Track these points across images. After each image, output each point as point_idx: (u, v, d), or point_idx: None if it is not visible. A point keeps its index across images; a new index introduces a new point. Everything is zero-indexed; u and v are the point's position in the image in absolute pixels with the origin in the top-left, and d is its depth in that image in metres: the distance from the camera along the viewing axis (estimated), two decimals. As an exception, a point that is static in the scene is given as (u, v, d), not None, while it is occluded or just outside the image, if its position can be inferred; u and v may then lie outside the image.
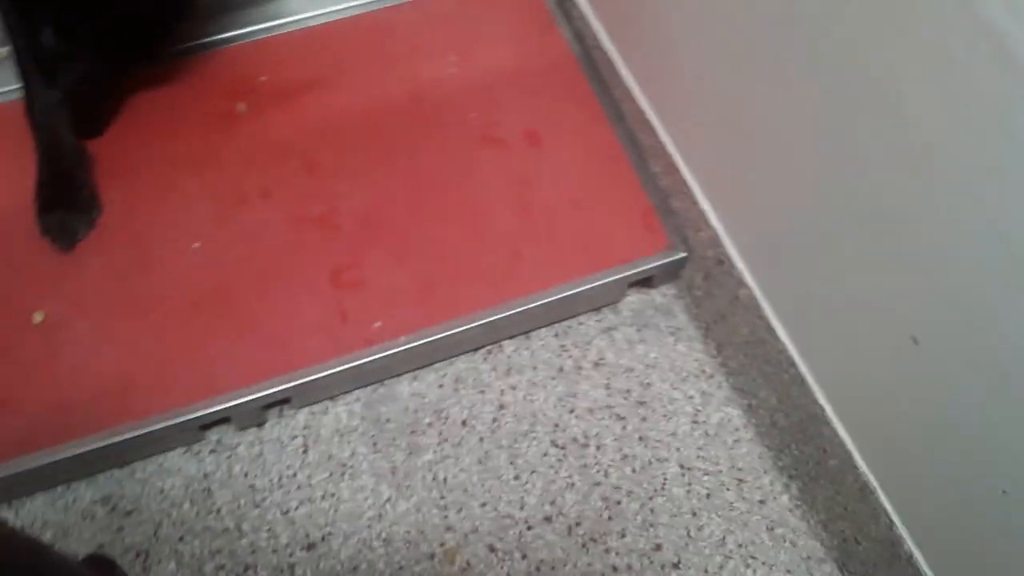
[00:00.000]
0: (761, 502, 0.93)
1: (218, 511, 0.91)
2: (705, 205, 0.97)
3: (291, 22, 1.20)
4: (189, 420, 0.91)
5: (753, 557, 0.90)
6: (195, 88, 1.13)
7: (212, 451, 0.95)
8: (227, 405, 0.91)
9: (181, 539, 0.90)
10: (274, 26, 1.19)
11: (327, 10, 1.21)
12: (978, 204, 0.58)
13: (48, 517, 0.91)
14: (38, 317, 0.95)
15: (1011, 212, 0.56)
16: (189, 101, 1.12)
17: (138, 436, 0.89)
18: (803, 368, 0.87)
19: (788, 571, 0.89)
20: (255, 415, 0.95)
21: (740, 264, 0.93)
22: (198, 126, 1.10)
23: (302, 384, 0.93)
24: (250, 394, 0.92)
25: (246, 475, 0.93)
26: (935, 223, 0.63)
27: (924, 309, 0.68)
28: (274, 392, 0.92)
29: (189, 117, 1.11)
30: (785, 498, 0.93)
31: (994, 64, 0.53)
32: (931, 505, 0.76)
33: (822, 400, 0.85)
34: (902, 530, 0.80)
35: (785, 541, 0.91)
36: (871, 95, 0.65)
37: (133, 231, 1.02)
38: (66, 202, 1.01)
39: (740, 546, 0.90)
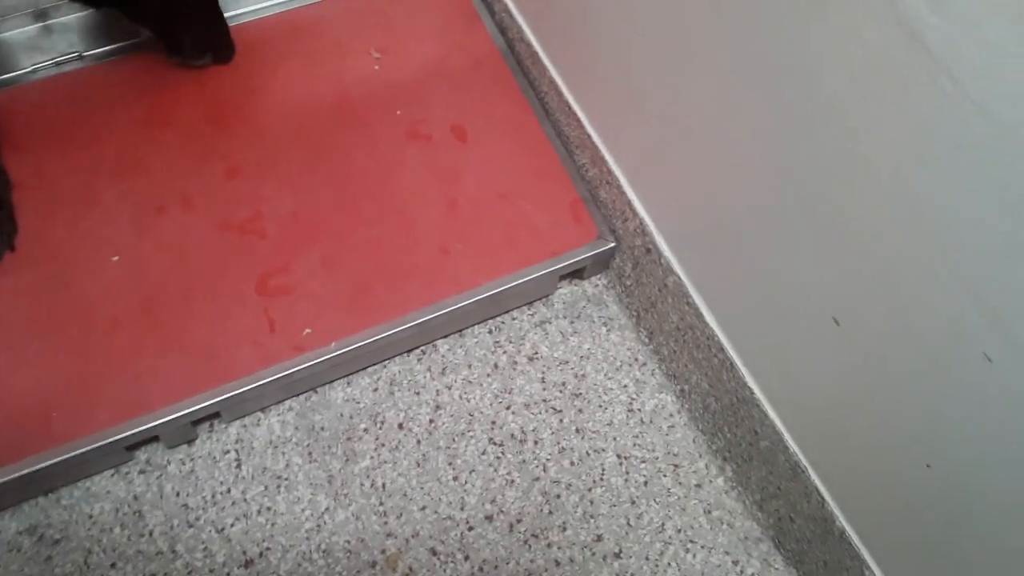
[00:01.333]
0: (697, 486, 0.94)
1: (150, 533, 0.89)
2: (632, 195, 0.97)
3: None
4: (115, 441, 0.88)
5: (692, 541, 0.91)
6: (112, 92, 1.09)
7: (141, 471, 0.92)
8: (154, 423, 0.89)
9: (113, 566, 0.87)
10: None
11: (247, 8, 1.17)
12: (896, 186, 0.59)
13: (-30, 551, 0.87)
14: (-53, 343, 0.91)
15: (927, 194, 0.57)
16: (105, 106, 1.08)
17: (62, 461, 0.86)
18: (731, 352, 0.88)
19: (727, 552, 0.91)
20: (184, 432, 0.93)
21: (667, 252, 0.93)
22: (114, 132, 1.06)
23: (231, 397, 0.91)
24: (178, 411, 0.89)
25: (178, 494, 0.91)
26: (855, 207, 0.64)
27: (844, 291, 0.69)
28: (202, 407, 0.90)
29: (106, 123, 1.07)
30: (720, 481, 0.95)
31: (906, 48, 0.54)
32: (859, 482, 0.78)
33: (751, 383, 0.87)
34: (833, 507, 0.82)
35: (723, 523, 0.93)
36: (792, 81, 0.65)
37: (48, 245, 0.98)
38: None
39: (679, 531, 0.92)
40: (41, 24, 1.13)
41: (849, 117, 0.61)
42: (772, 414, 0.85)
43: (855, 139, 0.61)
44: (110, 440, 0.88)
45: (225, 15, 1.12)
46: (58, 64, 1.11)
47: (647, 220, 0.95)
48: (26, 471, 0.85)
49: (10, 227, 0.99)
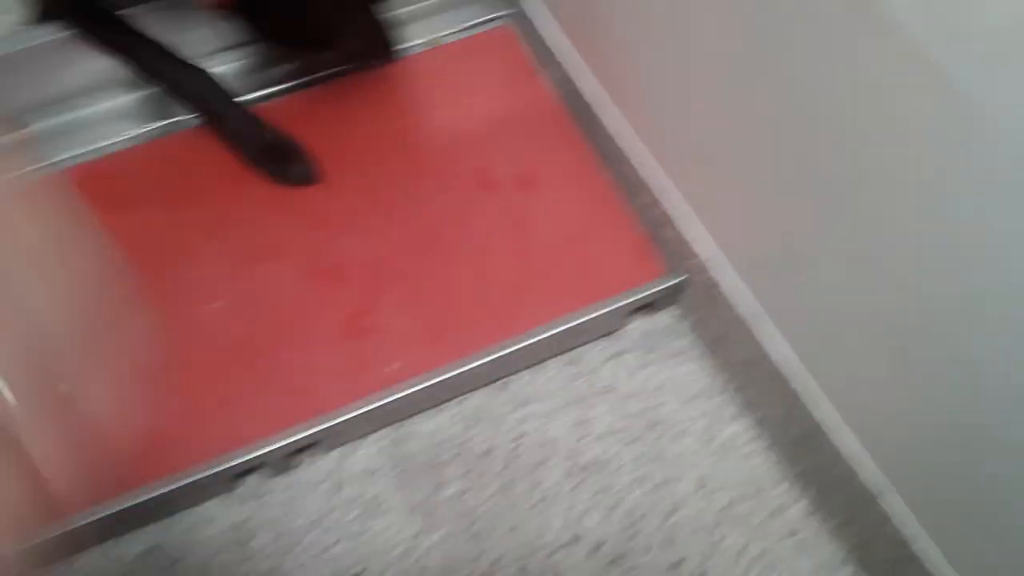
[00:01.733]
0: (778, 512, 0.96)
1: (257, 555, 0.95)
2: (701, 228, 1.01)
3: (280, 89, 1.25)
4: (222, 470, 0.95)
5: (774, 565, 0.93)
6: (204, 156, 1.19)
7: (247, 498, 0.98)
8: (257, 453, 0.95)
9: (222, 586, 0.93)
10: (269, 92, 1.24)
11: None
12: (971, 219, 0.62)
13: (98, 569, 0.94)
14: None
15: (1002, 229, 0.59)
16: (203, 168, 1.18)
17: (175, 488, 0.93)
18: (806, 379, 0.91)
19: None
20: (285, 461, 0.99)
21: (738, 283, 0.97)
22: (206, 190, 1.15)
23: (327, 428, 0.97)
24: (278, 441, 0.96)
25: (282, 518, 0.97)
26: (926, 238, 0.67)
27: (917, 318, 0.72)
28: (300, 438, 0.96)
29: (201, 183, 1.16)
30: (802, 504, 0.97)
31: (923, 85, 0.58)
32: (943, 507, 0.79)
33: (828, 408, 0.89)
34: (916, 531, 0.83)
35: (805, 547, 0.94)
36: (868, 115, 0.68)
37: (154, 295, 1.06)
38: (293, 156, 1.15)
39: (761, 554, 0.94)
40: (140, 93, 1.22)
41: (922, 150, 0.64)
42: (850, 440, 0.87)
43: (926, 172, 0.64)
44: (218, 469, 0.94)
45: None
46: (157, 130, 1.20)
47: (716, 252, 0.99)
48: (144, 498, 0.93)
49: (313, 164, 1.15)
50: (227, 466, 0.95)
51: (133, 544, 0.96)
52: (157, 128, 1.21)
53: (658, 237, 1.09)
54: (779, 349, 0.93)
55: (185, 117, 1.21)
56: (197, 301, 1.06)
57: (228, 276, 1.08)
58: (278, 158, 1.14)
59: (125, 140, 1.20)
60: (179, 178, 1.17)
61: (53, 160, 1.18)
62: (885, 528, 0.86)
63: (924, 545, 0.82)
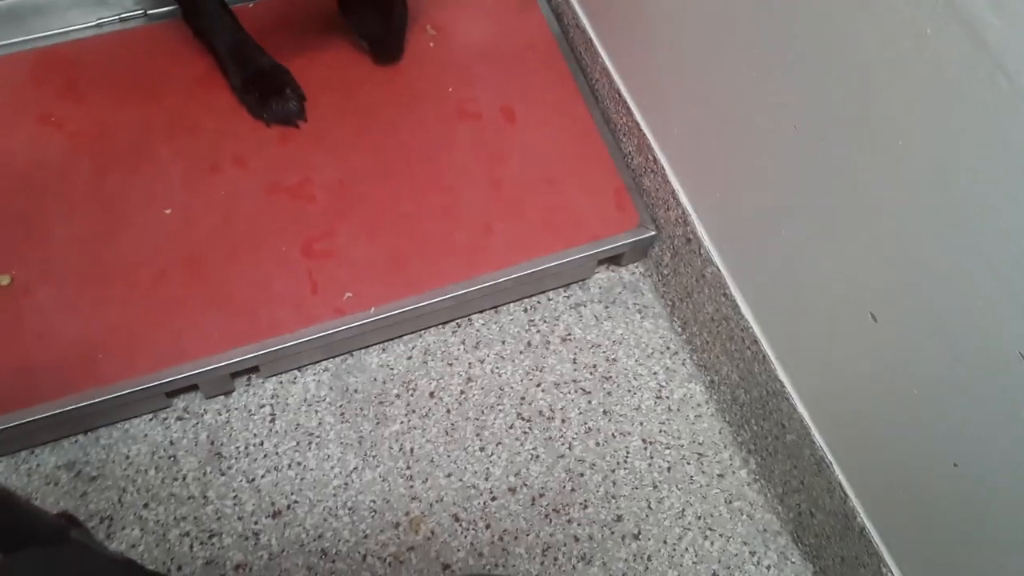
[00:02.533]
0: (720, 476, 0.95)
1: (184, 478, 0.91)
2: (676, 184, 0.98)
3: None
4: (155, 386, 0.91)
5: (711, 529, 0.92)
6: (172, 51, 1.12)
7: (179, 418, 0.95)
8: (194, 372, 0.91)
9: (146, 505, 0.90)
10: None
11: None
12: (938, 184, 0.60)
13: (11, 482, 0.90)
14: (4, 280, 0.94)
15: (970, 193, 0.57)
16: (165, 64, 1.11)
17: (103, 401, 0.89)
18: (765, 345, 0.89)
19: (745, 543, 0.92)
20: (223, 383, 0.95)
21: (708, 243, 0.94)
22: (173, 91, 1.09)
23: (270, 353, 0.93)
24: (217, 362, 0.92)
25: (212, 443, 0.93)
26: (896, 203, 0.65)
27: (883, 287, 0.70)
28: (242, 360, 0.92)
29: (165, 81, 1.10)
30: (744, 472, 0.96)
31: (963, 47, 0.54)
32: (885, 479, 0.78)
33: (782, 376, 0.87)
34: (856, 503, 0.82)
35: (742, 514, 0.93)
36: (840, 74, 0.66)
37: (103, 197, 1.01)
38: (278, 91, 1.07)
39: (699, 518, 0.93)
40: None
41: (896, 112, 0.61)
42: (801, 408, 0.86)
43: (901, 134, 0.62)
44: (150, 385, 0.90)
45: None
46: (123, 20, 1.14)
47: (689, 210, 0.96)
48: (68, 408, 0.88)
49: (301, 103, 1.08)
50: (160, 382, 0.91)
51: (50, 457, 0.92)
52: (127, 16, 1.14)
53: (635, 187, 1.05)
54: (740, 313, 0.90)
55: (160, 9, 1.13)
56: (147, 206, 1.01)
57: (182, 183, 1.03)
58: (265, 90, 1.06)
59: (89, 26, 1.13)
60: (143, 74, 1.10)
61: (9, 41, 1.10)
62: (824, 501, 0.85)
63: (863, 520, 0.81)
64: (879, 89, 0.62)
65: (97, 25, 1.13)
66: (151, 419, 0.95)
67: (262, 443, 0.94)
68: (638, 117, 1.03)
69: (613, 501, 0.93)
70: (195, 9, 1.07)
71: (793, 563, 0.91)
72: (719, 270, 0.93)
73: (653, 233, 1.02)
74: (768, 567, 0.91)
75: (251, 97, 1.06)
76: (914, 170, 0.62)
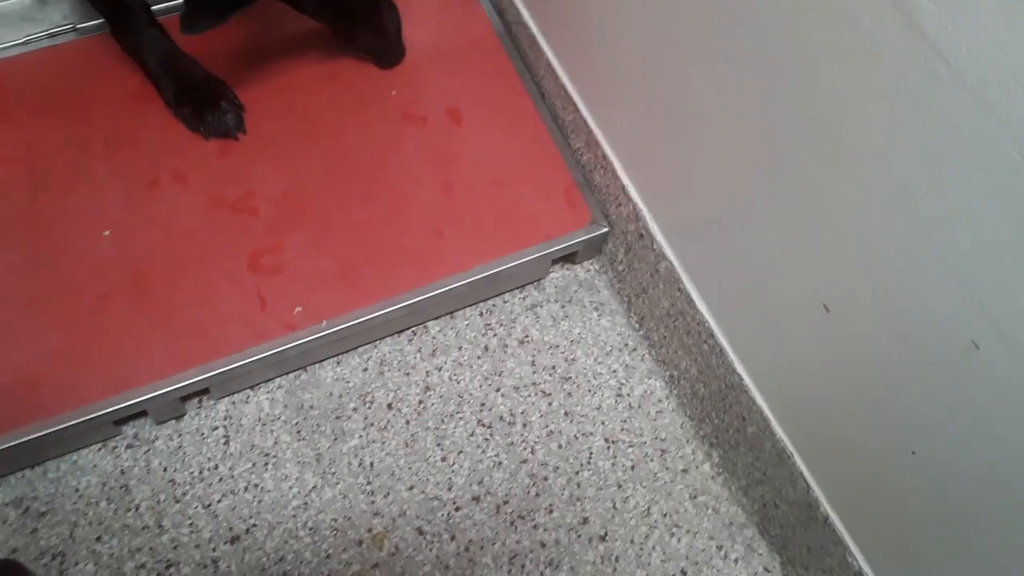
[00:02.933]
0: (684, 471, 0.95)
1: (137, 508, 0.89)
2: (626, 180, 0.97)
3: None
4: (102, 415, 0.88)
5: (677, 525, 0.92)
6: (105, 66, 1.08)
7: (129, 446, 0.92)
8: (142, 398, 0.89)
9: (99, 539, 0.87)
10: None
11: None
12: (886, 174, 0.59)
13: (-45, 522, 0.87)
14: (-65, 314, 0.90)
15: (916, 182, 0.57)
16: (98, 79, 1.07)
17: (49, 434, 0.86)
18: (722, 338, 0.88)
19: (711, 537, 0.92)
20: (173, 407, 0.92)
21: (660, 238, 0.93)
22: (106, 106, 1.06)
23: (221, 374, 0.91)
24: (166, 386, 0.89)
25: (165, 469, 0.91)
26: (844, 194, 0.64)
27: (835, 278, 0.70)
28: (191, 383, 0.90)
29: (98, 96, 1.06)
30: (707, 466, 0.95)
31: (901, 36, 0.54)
32: (845, 468, 0.78)
33: (740, 369, 0.87)
34: (818, 493, 0.82)
35: (708, 508, 0.93)
36: (783, 65, 0.65)
37: (38, 220, 0.98)
38: (213, 103, 1.03)
39: (665, 515, 0.92)
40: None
41: (839, 102, 0.61)
42: (760, 400, 0.86)
43: (845, 125, 0.61)
44: (97, 414, 0.87)
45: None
46: (51, 36, 1.10)
47: (640, 205, 0.95)
48: (11, 443, 0.85)
49: (239, 114, 1.04)
50: (107, 411, 0.88)
51: (-3, 494, 0.89)
52: (56, 32, 1.09)
53: (586, 184, 1.04)
54: (696, 307, 0.90)
55: (90, 23, 1.10)
56: (85, 228, 0.97)
57: (121, 201, 0.99)
58: (200, 103, 1.03)
59: (16, 44, 1.08)
60: (74, 91, 1.07)
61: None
62: (788, 491, 0.85)
63: (826, 510, 0.81)
64: (823, 81, 0.62)
65: (24, 43, 1.09)
66: (100, 448, 0.92)
67: (217, 467, 0.91)
68: (585, 113, 1.01)
69: (578, 503, 0.92)
70: (121, 24, 1.03)
71: (760, 555, 0.91)
72: (673, 264, 0.92)
73: (606, 230, 1.01)
74: (736, 560, 0.91)
75: (186, 111, 1.03)
76: (860, 161, 0.61)
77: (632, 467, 0.94)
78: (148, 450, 0.92)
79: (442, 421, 0.96)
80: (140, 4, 1.01)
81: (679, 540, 0.91)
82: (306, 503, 0.90)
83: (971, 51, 0.49)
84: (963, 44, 0.50)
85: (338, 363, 0.98)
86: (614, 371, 1.00)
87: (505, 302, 1.04)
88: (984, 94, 0.49)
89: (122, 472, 0.90)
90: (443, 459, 0.93)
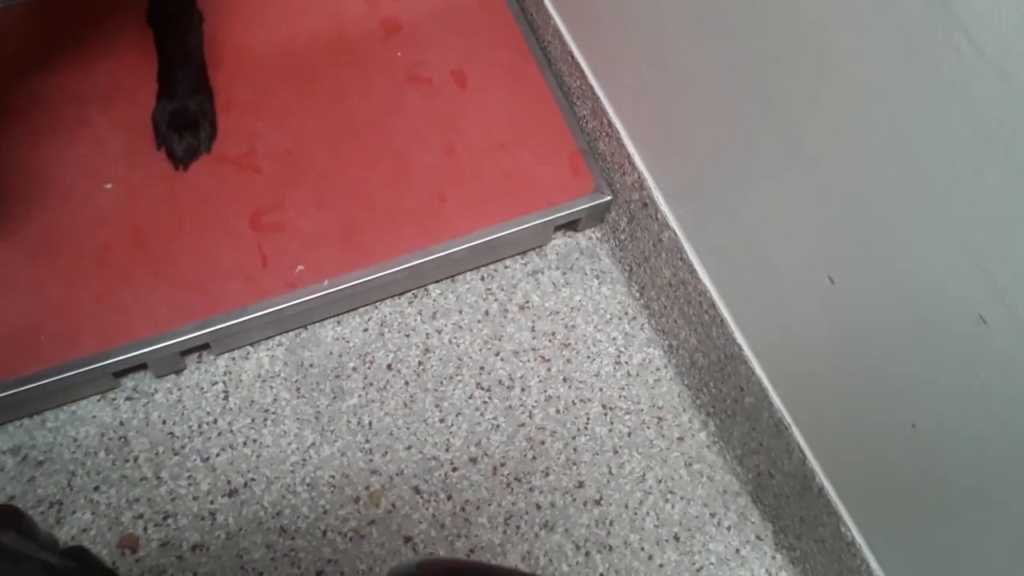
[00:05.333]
0: (680, 439, 0.96)
1: (135, 459, 0.89)
2: (631, 148, 0.97)
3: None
4: (102, 366, 0.88)
5: (672, 492, 0.93)
6: (105, 18, 1.07)
7: (128, 398, 0.92)
8: (142, 351, 0.89)
9: (96, 488, 0.88)
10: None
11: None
12: (896, 143, 0.59)
13: (-48, 469, 0.87)
14: (-66, 261, 0.90)
15: (928, 152, 0.57)
16: (99, 32, 1.06)
17: (48, 383, 0.86)
18: (723, 309, 0.89)
19: (705, 504, 0.93)
20: (172, 361, 0.92)
21: (664, 207, 0.93)
22: (109, 59, 1.04)
23: (221, 329, 0.91)
24: (166, 340, 0.89)
25: (164, 422, 0.91)
26: (854, 165, 0.64)
27: (840, 249, 0.70)
28: (191, 337, 0.90)
29: (99, 49, 1.05)
30: (703, 435, 0.96)
31: (922, 5, 0.53)
32: (843, 440, 0.79)
33: (740, 340, 0.87)
34: (814, 464, 0.83)
35: (702, 476, 0.94)
36: (793, 33, 0.65)
37: (40, 171, 0.97)
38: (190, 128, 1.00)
39: (659, 482, 0.93)
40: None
41: (852, 68, 0.61)
42: (759, 371, 0.86)
43: (856, 91, 0.61)
44: (97, 365, 0.87)
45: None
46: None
47: (645, 174, 0.95)
48: (11, 392, 0.85)
49: (212, 133, 1.00)
50: (107, 362, 0.88)
51: (-4, 441, 0.89)
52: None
53: (590, 152, 1.04)
54: (698, 277, 0.90)
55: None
56: (87, 180, 0.97)
57: (123, 155, 0.99)
58: (176, 124, 0.98)
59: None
60: (75, 39, 1.05)
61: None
62: (783, 462, 0.86)
63: (821, 480, 0.82)
64: (836, 48, 0.62)
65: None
66: (99, 400, 0.92)
67: (216, 421, 0.92)
68: (592, 80, 1.01)
69: (574, 468, 0.93)
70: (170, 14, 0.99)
71: (753, 523, 0.92)
72: (676, 234, 0.92)
73: (609, 198, 1.01)
74: (728, 528, 0.92)
75: (171, 133, 0.99)
76: (872, 129, 0.61)
77: (629, 434, 0.95)
78: (147, 403, 0.92)
79: (441, 383, 0.96)
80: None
81: (673, 506, 0.92)
82: (304, 459, 0.90)
83: (992, 21, 0.49)
84: (984, 14, 0.49)
85: (339, 323, 0.98)
86: (613, 339, 1.00)
87: (507, 267, 1.04)
88: (1003, 65, 0.49)
89: (121, 423, 0.91)
90: (441, 420, 0.94)
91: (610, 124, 0.98)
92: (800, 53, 0.65)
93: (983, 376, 0.60)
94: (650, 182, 0.95)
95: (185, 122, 0.98)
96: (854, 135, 0.63)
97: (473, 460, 0.92)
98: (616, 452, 0.94)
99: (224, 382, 0.94)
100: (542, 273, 1.04)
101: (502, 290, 1.02)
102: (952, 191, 0.56)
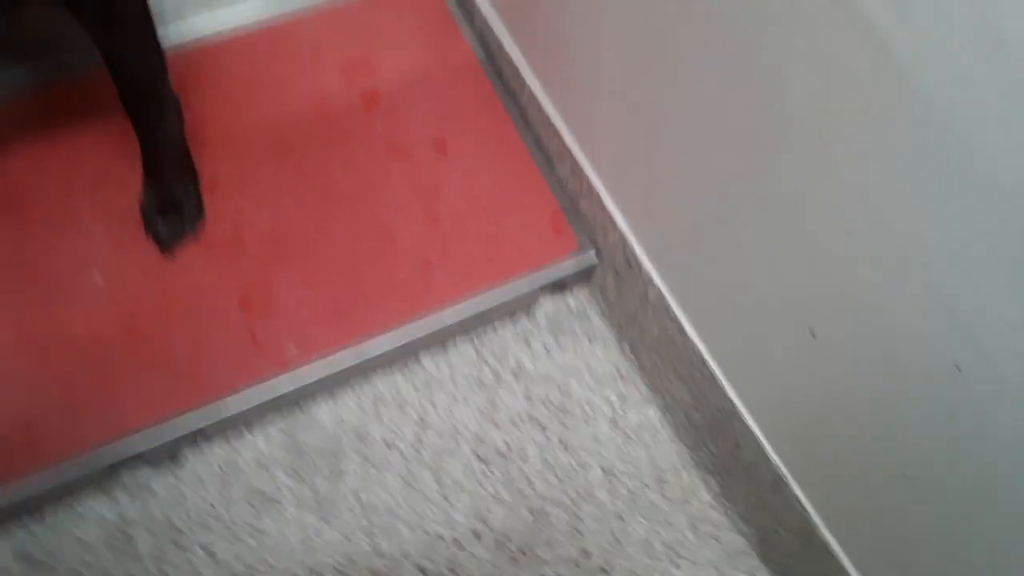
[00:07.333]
0: (684, 500, 0.95)
1: (139, 556, 0.89)
2: (612, 207, 0.97)
3: (188, 41, 1.14)
4: (100, 463, 0.88)
5: (680, 556, 0.92)
6: (87, 107, 1.08)
7: (128, 493, 0.92)
8: (139, 443, 0.89)
9: (101, 589, 0.87)
10: (169, 46, 1.14)
11: (222, 28, 1.16)
12: (864, 199, 0.60)
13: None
14: (-72, 368, 0.90)
15: (893, 206, 0.57)
16: (80, 123, 1.07)
17: (47, 484, 0.86)
18: (713, 365, 0.88)
19: (714, 567, 0.92)
20: (170, 451, 0.93)
21: (648, 264, 0.94)
22: (92, 147, 1.05)
23: (216, 416, 0.91)
24: (162, 431, 0.89)
25: (167, 516, 0.91)
26: (826, 217, 0.65)
27: (820, 303, 0.70)
28: (187, 426, 0.90)
29: (81, 140, 1.06)
30: (706, 494, 0.96)
31: (871, 59, 0.54)
32: (841, 492, 0.78)
33: (732, 395, 0.87)
34: (816, 518, 0.82)
35: (709, 537, 0.93)
36: (765, 95, 0.65)
37: (28, 266, 0.98)
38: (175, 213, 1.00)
39: (666, 546, 0.92)
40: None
41: (815, 129, 0.61)
42: (754, 426, 0.86)
43: (823, 149, 0.62)
44: (95, 462, 0.88)
45: (200, 35, 1.11)
46: (26, 81, 1.09)
47: (627, 232, 0.95)
48: (10, 495, 0.85)
49: (198, 215, 1.01)
50: (104, 457, 0.88)
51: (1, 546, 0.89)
52: (36, 76, 1.09)
53: (572, 211, 1.04)
54: (686, 333, 0.90)
55: (68, 62, 1.09)
56: (76, 272, 0.97)
57: (111, 243, 0.99)
58: (161, 209, 0.99)
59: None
60: (54, 133, 1.06)
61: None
62: (786, 518, 0.85)
63: (824, 535, 0.82)
64: (800, 103, 0.62)
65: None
66: (99, 496, 0.92)
67: (217, 511, 0.91)
68: (569, 141, 1.01)
69: (579, 536, 0.92)
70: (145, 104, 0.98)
71: (762, 580, 0.92)
72: (662, 291, 0.92)
73: (594, 257, 1.01)
74: (738, 586, 0.91)
75: (158, 220, 0.99)
76: (839, 185, 0.62)
77: (632, 498, 0.95)
78: (147, 496, 0.92)
79: (440, 457, 0.96)
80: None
81: (682, 570, 0.91)
82: (307, 546, 0.90)
83: (939, 78, 0.49)
84: (931, 71, 0.50)
85: (333, 399, 0.98)
86: (609, 400, 1.00)
87: (496, 331, 1.04)
88: (952, 121, 0.50)
89: (122, 518, 0.91)
90: (443, 496, 0.94)
91: (590, 184, 0.99)
92: (769, 110, 0.66)
93: (964, 423, 0.59)
94: (632, 240, 0.95)
95: (171, 206, 0.99)
96: (827, 191, 0.63)
97: (477, 535, 0.92)
98: (620, 518, 0.93)
99: (223, 470, 0.94)
100: (533, 336, 1.04)
101: (494, 356, 1.02)
102: (919, 243, 0.56)
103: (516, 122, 1.11)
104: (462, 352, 1.02)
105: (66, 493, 0.91)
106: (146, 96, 0.97)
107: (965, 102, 0.49)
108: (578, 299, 1.06)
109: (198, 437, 0.95)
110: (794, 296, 0.73)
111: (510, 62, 1.10)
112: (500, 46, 1.12)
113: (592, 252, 1.01)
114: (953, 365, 0.58)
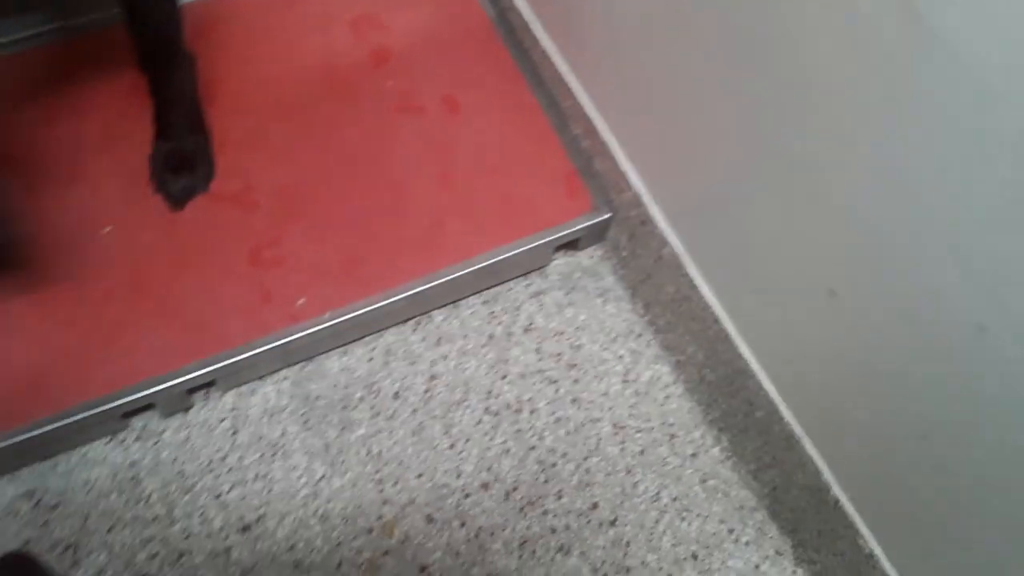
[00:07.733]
0: (693, 456, 0.95)
1: (147, 499, 0.89)
2: (627, 166, 0.97)
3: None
4: (110, 408, 0.88)
5: (688, 510, 0.92)
6: (98, 64, 1.08)
7: (137, 439, 0.92)
8: (149, 391, 0.89)
9: (110, 530, 0.88)
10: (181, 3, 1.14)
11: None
12: (886, 157, 0.59)
13: (-34, 517, 0.88)
14: (-59, 312, 0.91)
15: (916, 163, 0.57)
16: (92, 78, 1.07)
17: (58, 428, 0.86)
18: (727, 323, 0.88)
19: (722, 521, 0.92)
20: (180, 400, 0.93)
21: (663, 223, 0.93)
22: (102, 103, 1.05)
23: (226, 366, 0.91)
24: (172, 379, 0.89)
25: (174, 461, 0.91)
26: (845, 175, 0.64)
27: (839, 262, 0.69)
28: (197, 376, 0.90)
29: (93, 95, 1.06)
30: (716, 451, 0.95)
31: (899, 16, 0.53)
32: (855, 452, 0.78)
33: (746, 354, 0.87)
34: (828, 477, 0.82)
35: (718, 492, 0.93)
36: (783, 49, 0.65)
37: (39, 219, 0.98)
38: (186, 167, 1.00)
39: (675, 499, 0.92)
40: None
41: (839, 85, 0.60)
42: (767, 385, 0.85)
43: (842, 105, 0.61)
44: (105, 408, 0.88)
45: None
46: (40, 35, 1.09)
47: (642, 191, 0.95)
48: (22, 437, 0.86)
49: (208, 171, 1.01)
50: (115, 404, 0.88)
51: (8, 488, 0.89)
52: (44, 32, 1.09)
53: (586, 171, 1.04)
54: (700, 292, 0.90)
55: (75, 21, 1.09)
56: (85, 225, 0.97)
57: (120, 198, 0.99)
58: (172, 165, 0.99)
59: (5, 44, 1.08)
60: (66, 88, 1.06)
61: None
62: (798, 476, 0.85)
63: (836, 493, 0.81)
64: (822, 63, 0.61)
65: (13, 42, 1.08)
66: (109, 442, 0.92)
67: (225, 457, 0.91)
68: (583, 100, 1.01)
69: (588, 489, 0.92)
70: (160, 59, 0.98)
71: (771, 538, 0.91)
72: (676, 250, 0.92)
73: (608, 216, 1.01)
74: (747, 543, 0.91)
75: (166, 174, 1.00)
76: (861, 144, 0.61)
77: (641, 452, 0.94)
78: (157, 442, 0.92)
79: (449, 409, 0.96)
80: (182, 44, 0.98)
81: (690, 524, 0.91)
82: (316, 492, 0.90)
83: (969, 34, 0.49)
84: (960, 26, 0.49)
85: (344, 353, 0.98)
86: (620, 357, 1.00)
87: (509, 290, 1.03)
88: (982, 76, 0.49)
89: (132, 464, 0.91)
90: (451, 447, 0.93)
91: (604, 143, 0.98)
92: (789, 68, 0.65)
93: (986, 383, 0.59)
94: (647, 198, 0.94)
95: (181, 163, 0.99)
96: (844, 148, 0.63)
97: (485, 486, 0.92)
98: (629, 471, 0.93)
99: (232, 418, 0.94)
100: (545, 294, 1.03)
101: (505, 313, 1.02)
102: (942, 200, 0.56)
103: (529, 81, 1.10)
104: (473, 308, 1.02)
105: (76, 438, 0.91)
106: (162, 51, 0.97)
107: (994, 54, 0.48)
108: (592, 257, 1.06)
109: (208, 386, 0.95)
110: (812, 255, 0.72)
111: (521, 18, 1.09)
112: (511, 3, 1.11)
113: (606, 211, 1.01)
114: (977, 324, 0.57)
